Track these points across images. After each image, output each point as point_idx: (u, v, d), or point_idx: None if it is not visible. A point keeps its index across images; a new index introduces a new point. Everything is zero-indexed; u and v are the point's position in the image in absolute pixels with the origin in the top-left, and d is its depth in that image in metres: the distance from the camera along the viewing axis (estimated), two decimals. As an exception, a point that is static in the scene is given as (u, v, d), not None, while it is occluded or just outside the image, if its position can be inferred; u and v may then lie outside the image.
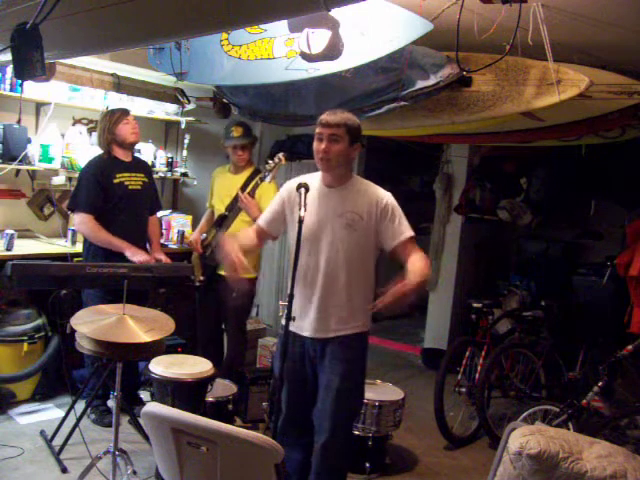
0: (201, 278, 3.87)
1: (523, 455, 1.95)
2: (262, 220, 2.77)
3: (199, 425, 1.79)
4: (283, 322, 2.56)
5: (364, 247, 2.58)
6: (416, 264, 2.51)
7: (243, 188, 3.81)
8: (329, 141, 2.49)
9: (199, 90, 4.72)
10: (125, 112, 3.66)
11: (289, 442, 2.57)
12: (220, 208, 3.97)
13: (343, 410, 2.61)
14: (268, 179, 3.60)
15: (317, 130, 2.52)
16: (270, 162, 3.57)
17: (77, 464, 3.14)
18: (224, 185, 4.00)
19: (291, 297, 2.40)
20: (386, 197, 2.60)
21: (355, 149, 2.57)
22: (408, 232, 2.57)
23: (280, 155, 3.56)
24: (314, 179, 2.64)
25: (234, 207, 3.83)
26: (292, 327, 2.53)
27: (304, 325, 2.61)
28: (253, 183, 3.73)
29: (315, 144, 2.54)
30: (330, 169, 2.56)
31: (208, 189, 4.23)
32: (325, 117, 2.51)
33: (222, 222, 3.90)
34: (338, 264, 2.56)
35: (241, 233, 2.84)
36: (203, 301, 4.08)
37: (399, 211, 2.60)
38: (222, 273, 3.91)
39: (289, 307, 2.40)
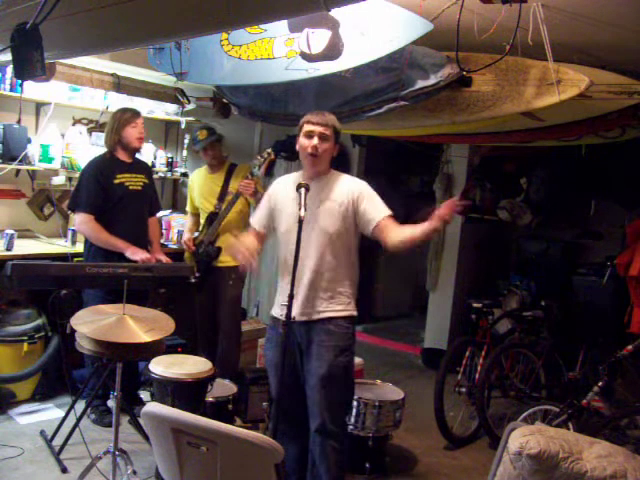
0: (196, 274, 3.91)
1: (523, 455, 1.94)
2: (255, 223, 2.86)
3: (199, 425, 1.79)
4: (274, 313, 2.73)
5: (344, 233, 2.67)
6: (414, 226, 2.56)
7: (225, 183, 4.01)
8: (320, 139, 2.63)
9: (199, 90, 4.72)
10: (136, 114, 3.67)
11: (286, 436, 2.60)
12: (208, 207, 4.06)
13: (333, 393, 2.64)
14: (258, 173, 3.71)
15: (307, 128, 2.65)
16: (259, 157, 3.69)
17: (77, 464, 3.14)
18: (205, 185, 4.11)
19: (291, 297, 2.41)
20: (361, 185, 2.73)
21: (336, 148, 2.74)
22: (385, 212, 2.66)
23: (269, 150, 3.70)
24: (292, 178, 2.78)
25: (223, 202, 3.93)
26: (279, 314, 2.65)
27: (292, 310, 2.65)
28: (241, 175, 3.88)
29: (304, 141, 2.66)
30: (316, 165, 2.69)
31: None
32: (314, 117, 2.65)
33: (213, 219, 3.98)
34: (321, 250, 2.64)
35: (243, 237, 2.84)
36: (200, 298, 4.12)
37: (374, 195, 2.71)
38: (215, 265, 3.99)
39: (289, 307, 2.41)
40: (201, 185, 4.14)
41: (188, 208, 4.27)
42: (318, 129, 2.62)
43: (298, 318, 2.63)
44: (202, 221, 4.10)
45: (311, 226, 2.62)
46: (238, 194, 3.80)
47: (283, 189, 2.76)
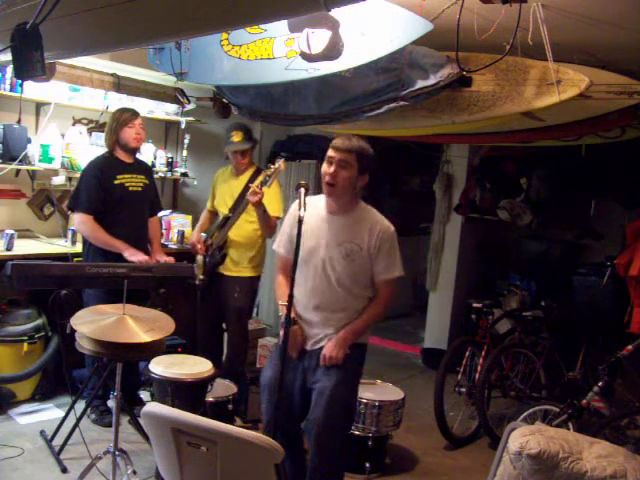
0: (201, 277, 3.86)
1: (523, 455, 1.95)
2: (281, 249, 2.76)
3: (199, 425, 1.79)
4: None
5: (362, 275, 2.60)
6: (365, 312, 2.61)
7: (245, 189, 3.78)
8: (338, 166, 2.49)
9: (199, 90, 4.72)
10: (134, 115, 3.65)
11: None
12: (224, 210, 3.96)
13: (334, 415, 2.54)
14: (268, 184, 3.56)
15: (328, 153, 2.52)
16: (271, 167, 3.54)
17: (77, 464, 3.15)
18: (227, 188, 4.01)
19: (291, 297, 2.39)
20: (387, 231, 2.59)
21: (363, 179, 2.56)
22: (392, 274, 2.60)
23: (280, 161, 3.55)
24: (320, 203, 2.63)
25: (237, 208, 3.82)
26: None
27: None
28: (257, 182, 3.66)
29: (323, 167, 2.54)
30: (334, 195, 2.56)
31: (209, 189, 4.21)
32: (338, 141, 2.51)
33: (225, 224, 3.90)
34: (336, 289, 2.58)
35: (280, 286, 2.75)
36: (203, 300, 4.06)
37: (395, 247, 2.61)
38: (223, 272, 3.93)
39: (289, 307, 2.39)
40: (222, 187, 4.03)
41: (208, 204, 4.17)
42: (338, 155, 2.47)
43: (310, 347, 2.63)
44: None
45: (327, 265, 2.56)
46: (248, 200, 3.60)
47: (306, 214, 2.44)
